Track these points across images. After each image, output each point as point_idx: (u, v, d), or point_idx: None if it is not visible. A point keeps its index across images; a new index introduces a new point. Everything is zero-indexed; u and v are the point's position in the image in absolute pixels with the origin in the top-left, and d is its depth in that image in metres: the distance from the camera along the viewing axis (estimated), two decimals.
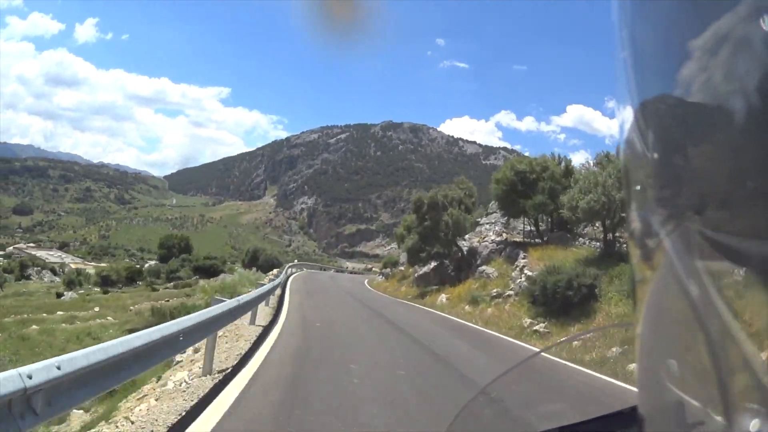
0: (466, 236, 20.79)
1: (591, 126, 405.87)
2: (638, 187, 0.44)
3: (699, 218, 0.34)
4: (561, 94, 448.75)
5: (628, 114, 0.40)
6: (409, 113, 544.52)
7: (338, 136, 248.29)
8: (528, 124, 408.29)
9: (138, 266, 49.12)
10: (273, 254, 53.68)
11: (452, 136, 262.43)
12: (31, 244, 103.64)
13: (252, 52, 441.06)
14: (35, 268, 50.47)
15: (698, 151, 0.34)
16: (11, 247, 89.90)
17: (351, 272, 55.98)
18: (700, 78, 0.31)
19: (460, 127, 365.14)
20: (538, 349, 6.72)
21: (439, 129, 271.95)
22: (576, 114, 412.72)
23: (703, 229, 0.34)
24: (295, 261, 54.12)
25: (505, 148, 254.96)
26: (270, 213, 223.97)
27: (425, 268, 22.79)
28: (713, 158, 0.32)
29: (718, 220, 0.33)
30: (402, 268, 29.79)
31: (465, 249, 20.12)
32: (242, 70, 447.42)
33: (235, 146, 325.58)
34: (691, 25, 0.31)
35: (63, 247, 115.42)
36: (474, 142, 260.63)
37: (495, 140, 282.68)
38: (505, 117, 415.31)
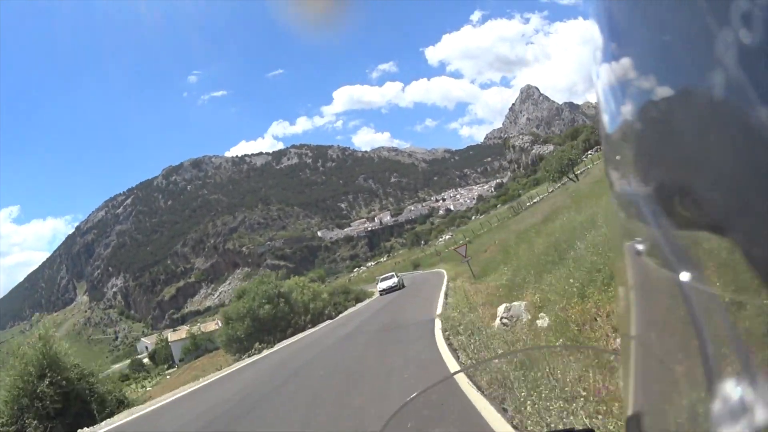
0: None
1: (363, 101, 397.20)
2: (619, 175, 0.40)
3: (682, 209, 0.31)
4: (322, 83, 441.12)
5: (608, 101, 0.38)
6: (189, 153, 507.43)
7: (124, 204, 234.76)
8: (302, 124, 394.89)
9: None
10: None
11: (237, 156, 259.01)
12: None
13: (14, 158, 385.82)
14: None
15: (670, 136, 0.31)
16: None
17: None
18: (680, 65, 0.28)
19: (242, 152, 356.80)
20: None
21: (223, 155, 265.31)
22: (344, 97, 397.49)
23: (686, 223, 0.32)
24: None
25: (294, 146, 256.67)
26: (86, 311, 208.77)
27: None
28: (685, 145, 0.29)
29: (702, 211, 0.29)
30: None
31: None
32: (19, 180, 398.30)
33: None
34: (677, 14, 0.28)
35: None
36: (260, 153, 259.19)
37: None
38: (278, 127, 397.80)
